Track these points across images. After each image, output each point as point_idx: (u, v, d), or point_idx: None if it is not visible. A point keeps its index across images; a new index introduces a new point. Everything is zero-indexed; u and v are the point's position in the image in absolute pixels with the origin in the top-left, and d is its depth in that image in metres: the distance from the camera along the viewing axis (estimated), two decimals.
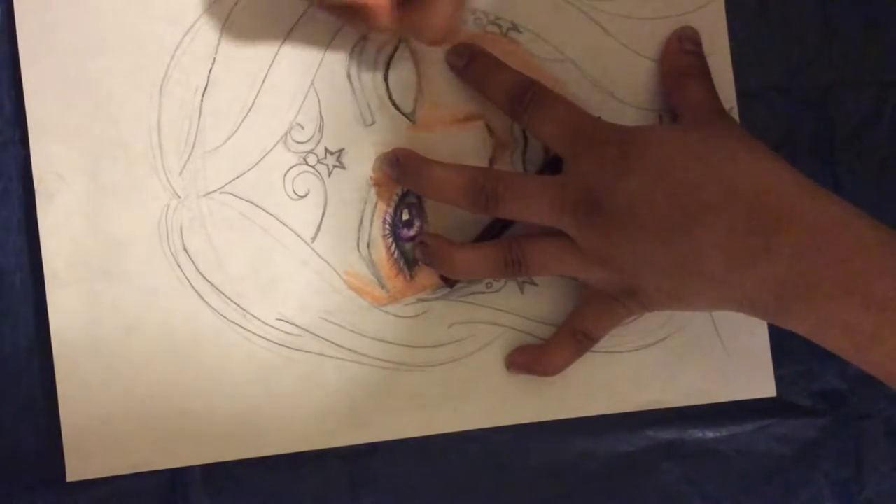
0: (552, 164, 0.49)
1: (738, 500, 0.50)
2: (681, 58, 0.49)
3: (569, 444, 0.50)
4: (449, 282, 0.50)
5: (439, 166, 0.48)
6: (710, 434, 0.50)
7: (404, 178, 0.49)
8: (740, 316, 0.50)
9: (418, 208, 0.50)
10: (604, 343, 0.49)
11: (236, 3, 0.50)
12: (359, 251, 0.50)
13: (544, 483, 0.50)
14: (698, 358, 0.50)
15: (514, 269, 0.47)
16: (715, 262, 0.42)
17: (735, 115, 0.51)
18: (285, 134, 0.50)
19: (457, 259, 0.48)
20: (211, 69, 0.50)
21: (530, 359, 0.49)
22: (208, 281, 0.49)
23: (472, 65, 0.49)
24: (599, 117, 0.48)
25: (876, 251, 0.40)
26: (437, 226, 0.50)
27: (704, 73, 0.49)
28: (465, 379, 0.50)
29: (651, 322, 0.50)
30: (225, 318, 0.49)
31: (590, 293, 0.47)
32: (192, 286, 0.49)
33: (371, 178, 0.50)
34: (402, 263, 0.50)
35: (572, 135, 0.46)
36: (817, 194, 0.42)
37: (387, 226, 0.50)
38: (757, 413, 0.50)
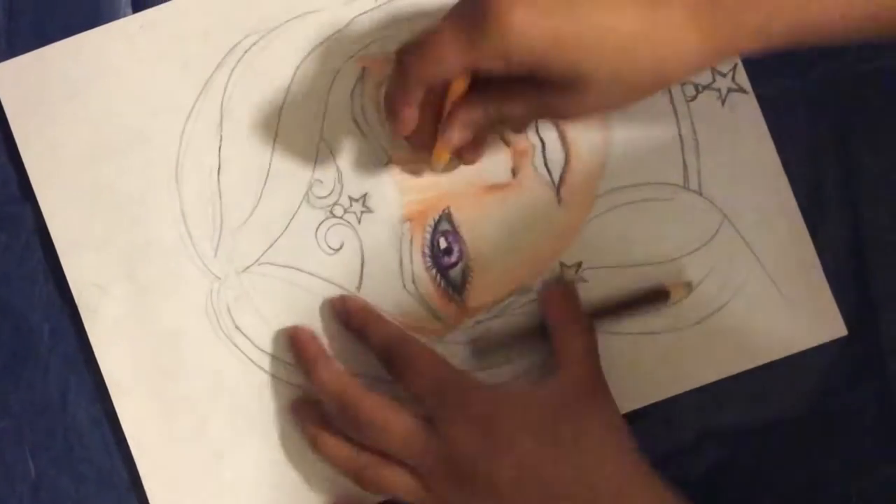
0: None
1: None
2: (567, 302, 0.49)
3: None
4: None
5: (325, 368, 0.47)
6: None
7: (299, 365, 0.49)
8: (793, 263, 0.50)
9: (454, 234, 0.50)
10: (664, 323, 0.49)
11: (229, 79, 0.50)
12: (406, 289, 0.50)
13: None
14: (762, 314, 0.50)
15: (361, 482, 0.47)
16: None
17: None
18: (307, 192, 0.50)
19: (315, 437, 0.48)
20: (220, 147, 0.50)
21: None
22: (268, 353, 0.49)
23: (351, 320, 0.49)
24: (466, 373, 0.47)
25: None
26: (476, 251, 0.49)
27: (588, 326, 0.48)
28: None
29: (707, 292, 0.50)
30: (293, 384, 0.49)
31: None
32: (253, 362, 0.49)
33: (403, 214, 0.50)
34: (451, 291, 0.50)
35: (438, 394, 0.46)
36: None
37: (427, 258, 0.50)
38: None
